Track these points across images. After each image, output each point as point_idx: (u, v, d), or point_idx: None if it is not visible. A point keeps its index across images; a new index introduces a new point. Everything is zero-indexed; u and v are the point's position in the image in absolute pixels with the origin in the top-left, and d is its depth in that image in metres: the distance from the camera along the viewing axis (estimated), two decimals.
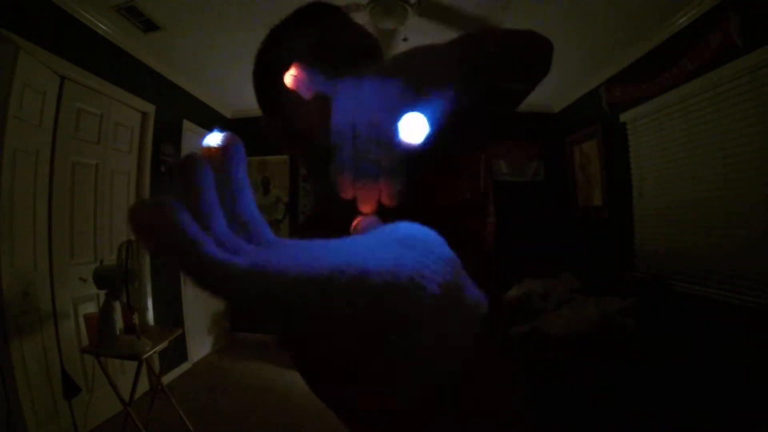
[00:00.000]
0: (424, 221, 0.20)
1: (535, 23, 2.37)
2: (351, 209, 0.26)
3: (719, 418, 1.64)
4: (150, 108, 2.81)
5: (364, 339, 0.15)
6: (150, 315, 2.74)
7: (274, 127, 0.46)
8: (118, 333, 1.85)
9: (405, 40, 2.44)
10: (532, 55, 0.36)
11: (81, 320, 2.06)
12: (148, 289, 2.76)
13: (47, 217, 2.02)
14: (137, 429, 1.85)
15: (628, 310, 2.28)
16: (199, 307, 3.46)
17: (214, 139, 0.18)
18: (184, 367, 3.15)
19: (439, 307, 0.16)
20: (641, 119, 2.67)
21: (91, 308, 2.21)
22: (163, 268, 2.70)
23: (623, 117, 2.81)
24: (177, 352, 2.93)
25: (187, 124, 3.30)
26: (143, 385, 2.59)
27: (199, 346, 3.45)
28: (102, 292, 1.88)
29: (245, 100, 3.73)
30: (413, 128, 0.25)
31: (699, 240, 2.21)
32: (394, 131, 0.25)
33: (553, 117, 3.92)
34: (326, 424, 2.28)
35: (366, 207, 0.26)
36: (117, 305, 1.86)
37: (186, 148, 3.29)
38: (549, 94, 3.60)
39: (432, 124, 0.25)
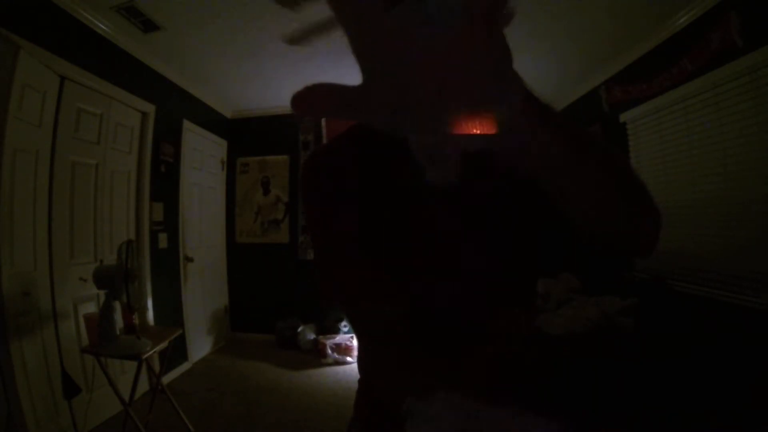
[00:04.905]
0: None
1: (535, 23, 2.37)
2: None
3: (719, 418, 1.64)
4: (150, 108, 2.81)
5: None
6: (150, 315, 2.75)
7: None
8: (118, 333, 1.85)
9: None
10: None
11: (81, 320, 2.06)
12: (148, 289, 2.76)
13: (47, 217, 2.02)
14: (137, 429, 1.85)
15: (628, 310, 2.28)
16: (199, 307, 3.46)
17: None
18: (184, 367, 3.15)
19: None
20: (641, 119, 2.66)
21: (91, 308, 2.21)
22: None
23: (623, 117, 2.81)
24: (177, 352, 2.93)
25: (187, 124, 3.30)
26: (143, 385, 2.59)
27: (199, 346, 3.45)
28: (102, 292, 1.88)
29: (245, 100, 3.72)
30: None
31: (699, 240, 2.20)
32: None
33: None
34: (326, 424, 2.28)
35: None
36: (117, 305, 1.86)
37: (186, 148, 3.29)
38: (549, 94, 3.59)
39: None
